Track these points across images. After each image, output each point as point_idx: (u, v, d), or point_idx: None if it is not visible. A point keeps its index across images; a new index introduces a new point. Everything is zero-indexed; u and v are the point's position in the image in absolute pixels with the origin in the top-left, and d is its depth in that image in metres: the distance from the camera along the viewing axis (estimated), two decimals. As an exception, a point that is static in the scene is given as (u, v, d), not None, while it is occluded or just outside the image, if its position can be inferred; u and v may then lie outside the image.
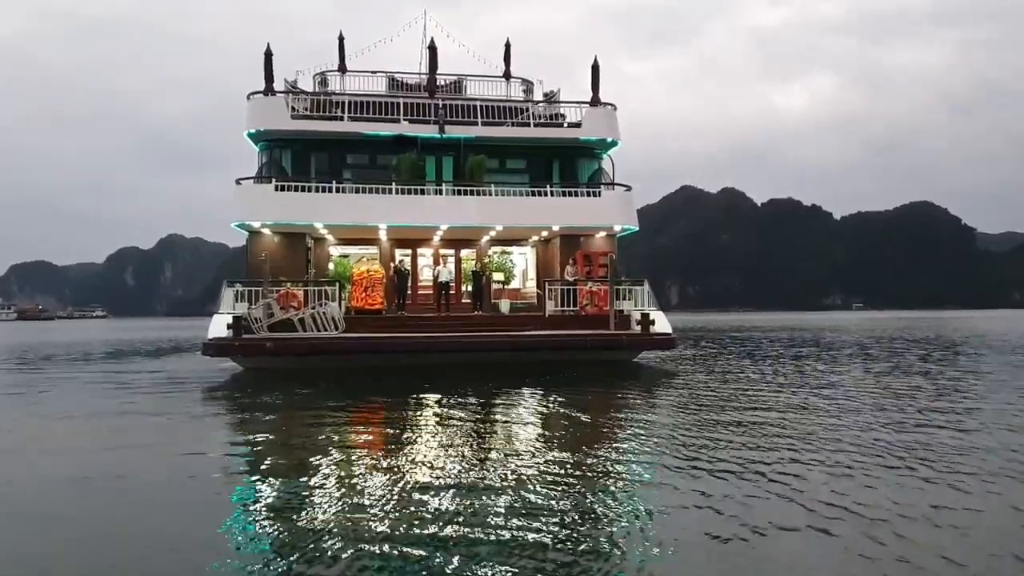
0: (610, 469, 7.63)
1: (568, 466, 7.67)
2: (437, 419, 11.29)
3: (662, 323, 20.05)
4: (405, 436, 9.68)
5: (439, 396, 13.90)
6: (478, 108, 24.23)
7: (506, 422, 10.94)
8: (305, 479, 7.19)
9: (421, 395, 14.15)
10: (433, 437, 9.66)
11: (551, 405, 12.64)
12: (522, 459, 8.10)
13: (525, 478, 7.12)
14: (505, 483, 6.93)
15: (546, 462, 7.92)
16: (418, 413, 11.95)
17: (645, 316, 19.49)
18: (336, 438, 9.59)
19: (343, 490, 6.72)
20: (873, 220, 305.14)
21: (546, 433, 10.05)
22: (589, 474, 7.34)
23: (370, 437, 10.04)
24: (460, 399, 13.51)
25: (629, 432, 9.86)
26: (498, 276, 25.57)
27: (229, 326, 18.93)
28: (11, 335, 59.75)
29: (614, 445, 9.04)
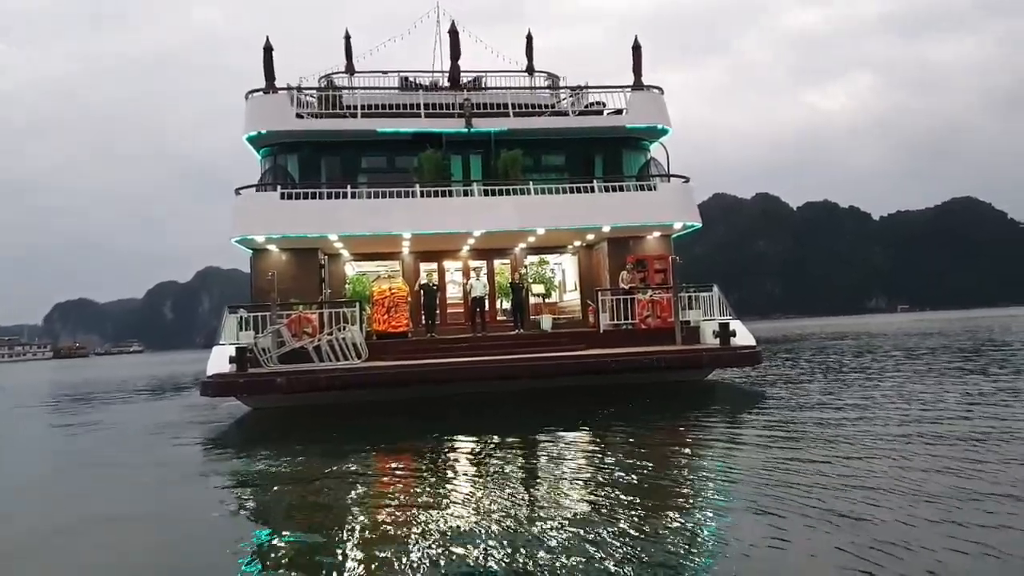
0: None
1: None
2: (483, 471, 8.61)
3: (743, 334, 16.69)
4: (445, 494, 7.58)
5: (482, 438, 10.93)
6: (508, 104, 21.33)
7: (570, 478, 7.79)
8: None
9: (461, 437, 11.22)
10: (480, 493, 7.49)
11: (637, 450, 9.44)
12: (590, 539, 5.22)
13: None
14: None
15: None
16: (459, 464, 9.29)
17: (724, 327, 16.11)
18: (364, 504, 7.47)
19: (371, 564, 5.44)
20: (913, 219, 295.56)
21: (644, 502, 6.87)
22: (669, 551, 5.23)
23: (404, 498, 7.62)
24: (511, 443, 10.55)
25: (734, 493, 6.61)
26: (538, 288, 22.47)
27: (232, 359, 16.04)
28: (28, 375, 58.29)
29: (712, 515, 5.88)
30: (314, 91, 21.29)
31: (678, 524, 6.03)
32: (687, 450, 9.48)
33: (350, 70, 24.50)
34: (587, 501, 6.88)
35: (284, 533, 6.54)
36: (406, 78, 23.37)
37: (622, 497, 6.91)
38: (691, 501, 6.85)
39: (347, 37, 25.33)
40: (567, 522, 6.16)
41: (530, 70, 25.14)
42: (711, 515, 6.33)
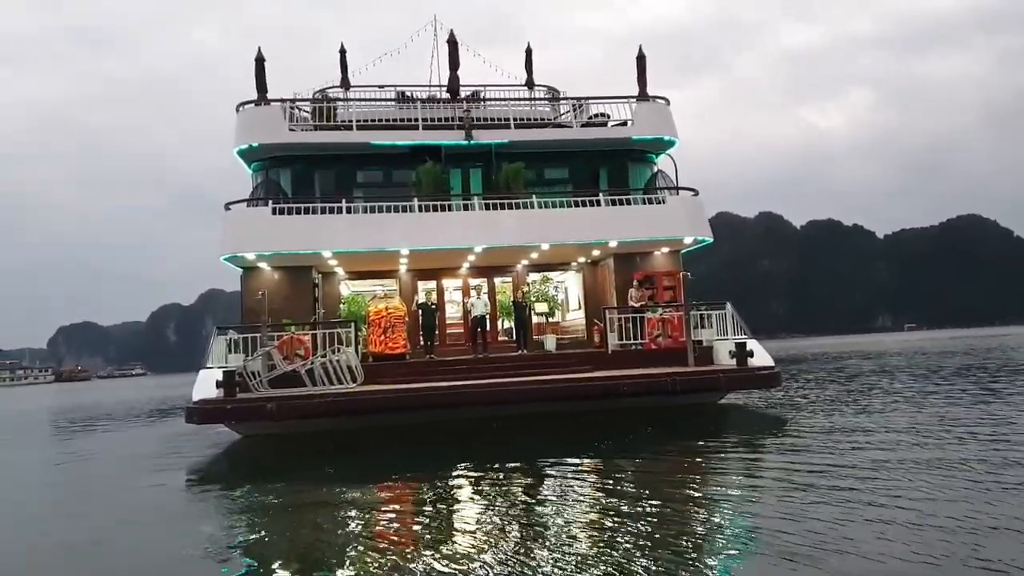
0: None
1: None
2: (485, 506, 7.82)
3: (760, 354, 15.71)
4: (445, 531, 6.98)
5: (484, 468, 10.14)
6: (508, 117, 20.58)
7: (579, 516, 6.86)
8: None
9: (462, 466, 10.39)
10: (482, 531, 6.77)
11: (653, 483, 8.49)
12: None
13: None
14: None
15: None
16: (459, 499, 8.56)
17: (741, 346, 15.13)
18: (359, 541, 6.80)
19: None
20: (917, 237, 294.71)
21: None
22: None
23: (402, 532, 7.13)
24: (515, 473, 9.74)
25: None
26: (541, 307, 21.54)
27: (219, 383, 15.12)
28: (15, 402, 57.52)
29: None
30: (308, 103, 20.55)
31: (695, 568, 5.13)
32: (709, 484, 8.53)
33: (345, 85, 23.76)
34: (597, 542, 6.00)
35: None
36: (403, 92, 22.65)
37: (636, 540, 5.97)
38: (710, 542, 5.91)
39: (342, 52, 24.62)
40: (575, 563, 5.42)
41: (530, 84, 24.42)
42: (731, 559, 5.44)
